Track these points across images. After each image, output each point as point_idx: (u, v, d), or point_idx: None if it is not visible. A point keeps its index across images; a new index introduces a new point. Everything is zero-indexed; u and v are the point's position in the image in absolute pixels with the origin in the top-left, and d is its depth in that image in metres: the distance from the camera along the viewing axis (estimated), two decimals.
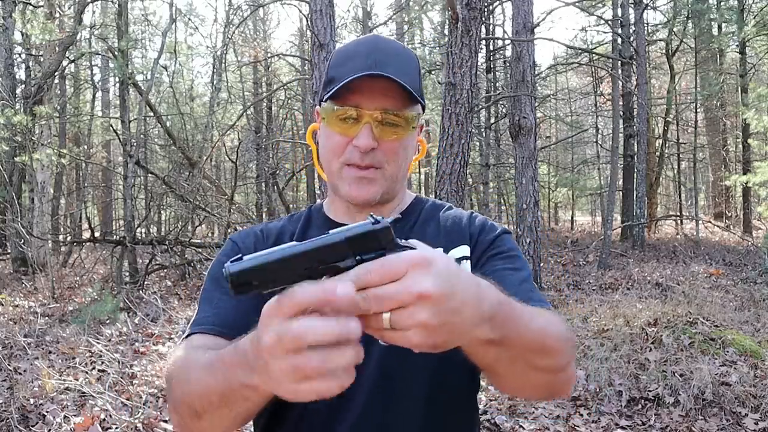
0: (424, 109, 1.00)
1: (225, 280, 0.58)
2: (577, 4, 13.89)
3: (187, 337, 0.91)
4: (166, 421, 3.59)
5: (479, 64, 6.58)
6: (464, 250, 1.00)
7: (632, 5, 12.69)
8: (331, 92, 0.93)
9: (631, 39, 12.73)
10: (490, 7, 13.91)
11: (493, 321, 0.64)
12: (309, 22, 5.95)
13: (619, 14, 13.63)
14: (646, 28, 14.57)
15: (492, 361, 0.72)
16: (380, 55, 0.93)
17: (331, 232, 0.60)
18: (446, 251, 0.99)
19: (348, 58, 0.95)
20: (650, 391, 3.94)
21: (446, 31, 13.45)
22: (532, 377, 0.77)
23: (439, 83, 10.08)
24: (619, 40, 13.49)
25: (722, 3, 15.87)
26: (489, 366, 0.74)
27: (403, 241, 0.62)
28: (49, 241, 10.00)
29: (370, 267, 0.57)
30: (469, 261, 0.99)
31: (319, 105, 1.00)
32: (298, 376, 0.56)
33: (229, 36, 14.19)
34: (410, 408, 0.92)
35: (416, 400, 0.92)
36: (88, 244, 9.70)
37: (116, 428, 3.49)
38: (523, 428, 3.61)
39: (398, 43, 1.01)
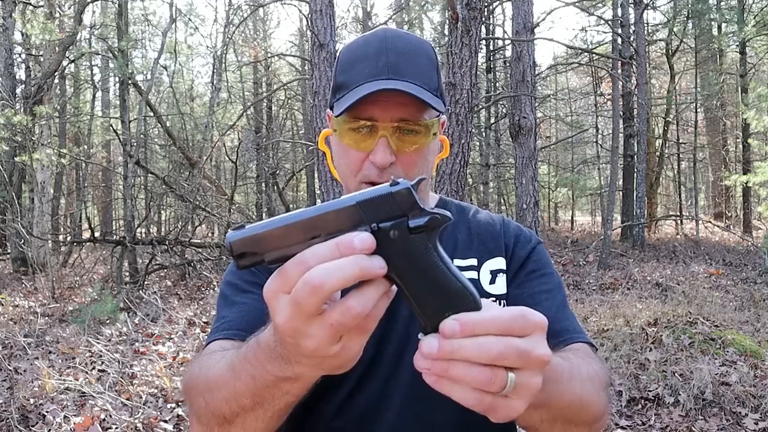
0: (445, 104, 0.93)
1: (227, 251, 0.53)
2: (577, 4, 13.89)
3: (205, 346, 0.86)
4: (166, 422, 3.59)
5: (479, 64, 6.57)
6: (500, 262, 0.95)
7: (632, 5, 12.69)
8: (341, 106, 0.86)
9: (631, 39, 12.73)
10: (490, 7, 13.91)
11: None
12: (309, 22, 5.95)
13: (619, 14, 13.62)
14: (646, 28, 14.57)
15: (535, 423, 0.69)
16: (392, 56, 0.86)
17: (343, 197, 0.53)
18: (481, 262, 0.95)
19: (357, 60, 0.88)
20: (650, 391, 3.94)
21: (446, 31, 13.45)
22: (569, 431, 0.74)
23: None
24: (619, 40, 13.49)
25: (722, 3, 15.87)
26: (531, 426, 0.71)
27: (430, 207, 0.53)
28: (49, 241, 10.00)
29: (513, 316, 0.52)
30: (505, 276, 0.95)
31: (330, 109, 0.94)
32: (339, 332, 0.50)
33: (229, 36, 14.18)
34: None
35: (447, 425, 0.88)
36: (88, 244, 9.70)
37: (116, 428, 3.49)
38: None
39: (410, 37, 0.92)
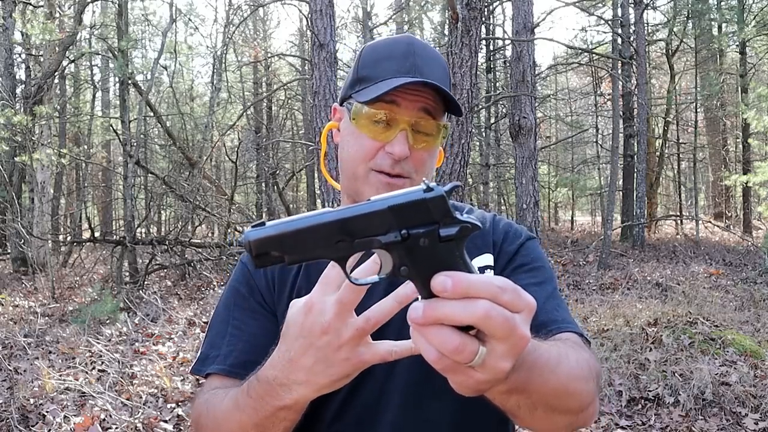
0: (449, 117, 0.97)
1: (245, 249, 0.52)
2: (577, 4, 13.89)
3: (206, 375, 0.93)
4: (166, 422, 3.60)
5: (479, 64, 6.57)
6: (487, 259, 0.96)
7: (632, 5, 12.68)
8: (368, 94, 0.89)
9: (631, 39, 12.72)
10: (490, 7, 13.91)
11: (517, 371, 0.59)
12: (309, 22, 5.95)
13: (619, 14, 13.62)
14: (646, 28, 14.56)
15: (513, 408, 0.68)
16: (418, 60, 0.91)
17: (372, 198, 0.52)
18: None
19: (383, 58, 0.93)
20: (650, 391, 3.94)
21: (446, 31, 13.44)
22: (553, 419, 0.73)
23: None
24: (619, 40, 13.49)
25: (722, 3, 15.87)
26: (509, 411, 0.71)
27: (461, 215, 0.53)
28: (49, 241, 10.00)
29: (505, 286, 0.51)
30: (492, 271, 0.95)
31: (340, 104, 0.97)
32: (364, 333, 0.65)
33: (229, 36, 14.18)
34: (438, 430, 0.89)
35: (443, 424, 0.89)
36: (88, 244, 9.70)
37: (116, 428, 3.49)
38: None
39: (431, 47, 0.98)
